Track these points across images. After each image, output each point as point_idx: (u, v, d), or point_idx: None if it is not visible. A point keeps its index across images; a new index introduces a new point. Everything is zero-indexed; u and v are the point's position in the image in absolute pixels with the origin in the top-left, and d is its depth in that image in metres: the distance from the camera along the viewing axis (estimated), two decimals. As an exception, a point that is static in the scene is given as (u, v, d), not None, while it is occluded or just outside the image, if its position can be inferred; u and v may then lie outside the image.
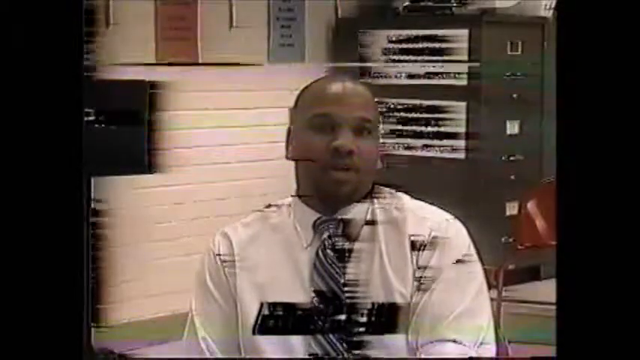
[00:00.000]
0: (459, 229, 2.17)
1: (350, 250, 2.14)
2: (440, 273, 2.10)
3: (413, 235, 2.13)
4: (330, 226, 2.15)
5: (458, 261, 2.12)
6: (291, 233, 2.18)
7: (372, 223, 2.16)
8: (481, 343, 2.09)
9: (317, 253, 2.14)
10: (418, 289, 2.10)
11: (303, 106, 2.19)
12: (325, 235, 2.15)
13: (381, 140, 2.21)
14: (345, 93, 2.17)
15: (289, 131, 2.21)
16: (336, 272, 2.13)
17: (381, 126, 2.21)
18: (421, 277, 2.11)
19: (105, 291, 5.32)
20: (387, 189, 2.22)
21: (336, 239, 2.15)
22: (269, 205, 2.25)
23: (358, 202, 2.17)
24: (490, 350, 2.12)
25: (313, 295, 2.12)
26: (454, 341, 2.07)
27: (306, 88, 2.22)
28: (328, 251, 2.14)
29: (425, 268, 2.11)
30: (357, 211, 2.16)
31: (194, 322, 2.21)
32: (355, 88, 2.20)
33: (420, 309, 2.09)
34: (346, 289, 2.12)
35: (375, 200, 2.19)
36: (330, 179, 2.12)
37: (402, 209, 2.18)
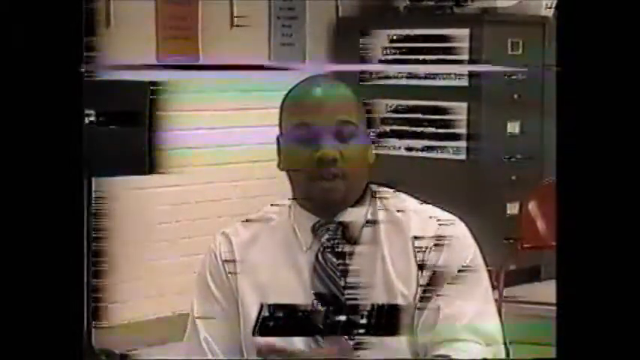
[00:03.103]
0: (464, 231, 2.16)
1: (350, 253, 2.13)
2: (448, 275, 2.09)
3: (416, 237, 2.12)
4: (329, 229, 2.14)
5: (466, 263, 2.11)
6: (290, 235, 2.18)
7: (372, 224, 2.15)
8: (496, 343, 2.09)
9: (316, 257, 2.14)
10: (425, 291, 2.09)
11: (285, 116, 2.17)
12: (324, 239, 2.14)
13: (374, 135, 2.20)
14: (324, 98, 2.14)
15: (278, 140, 2.21)
16: (337, 275, 2.12)
17: (369, 122, 2.19)
18: (428, 279, 2.10)
19: (106, 291, 5.32)
20: (388, 190, 2.21)
21: (336, 242, 2.14)
22: (270, 206, 2.25)
23: (357, 204, 2.16)
24: (502, 350, 2.12)
25: (314, 297, 2.12)
26: (467, 341, 2.06)
27: (287, 95, 2.19)
28: (328, 254, 2.14)
29: (432, 270, 2.10)
30: (356, 214, 2.15)
31: (195, 322, 2.20)
32: (334, 90, 2.17)
33: (430, 311, 2.08)
34: (347, 291, 2.11)
35: (376, 201, 2.18)
36: (318, 189, 2.10)
37: (404, 210, 2.17)
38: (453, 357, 2.04)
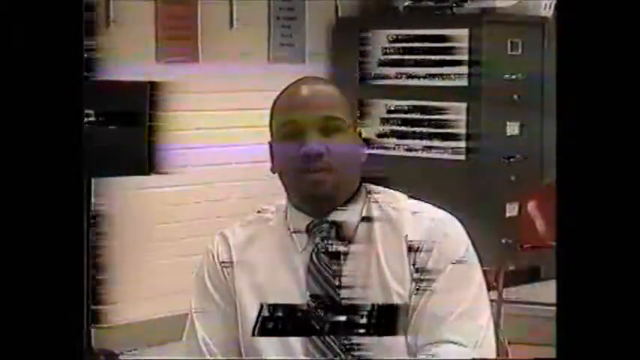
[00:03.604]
0: (458, 229, 2.16)
1: (345, 252, 2.14)
2: (438, 273, 2.10)
3: (410, 236, 2.13)
4: (323, 229, 2.15)
5: (456, 261, 2.11)
6: (286, 236, 2.18)
7: (367, 223, 2.15)
8: (481, 344, 2.09)
9: (311, 257, 2.14)
10: (417, 289, 2.10)
11: (273, 118, 2.20)
12: (318, 239, 2.15)
13: (366, 134, 2.21)
14: (307, 96, 2.16)
15: (270, 145, 2.22)
16: (331, 275, 2.12)
17: (361, 121, 2.21)
18: (419, 277, 2.10)
19: (105, 292, 5.32)
20: (384, 189, 2.21)
21: (330, 242, 2.14)
22: (267, 206, 2.25)
23: (350, 202, 2.16)
24: (490, 351, 2.12)
25: (309, 298, 2.12)
26: (454, 342, 2.06)
27: (275, 99, 2.22)
28: (322, 255, 2.14)
29: (423, 268, 2.10)
30: (350, 213, 2.16)
31: (194, 323, 2.20)
32: (318, 88, 2.19)
33: (419, 310, 2.09)
34: (342, 291, 2.11)
35: (371, 200, 2.18)
36: (306, 182, 2.11)
37: (399, 209, 2.17)
38: None
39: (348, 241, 2.14)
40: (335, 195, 2.14)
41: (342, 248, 2.14)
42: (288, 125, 2.14)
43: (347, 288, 2.11)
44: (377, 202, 2.18)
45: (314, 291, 2.12)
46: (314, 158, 2.10)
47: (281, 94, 2.21)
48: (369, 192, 2.20)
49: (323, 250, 2.14)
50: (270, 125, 2.21)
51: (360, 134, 2.20)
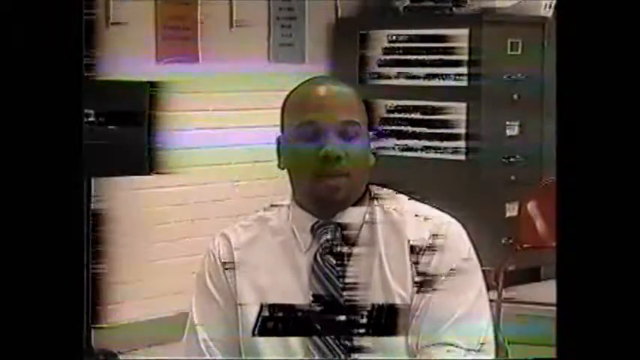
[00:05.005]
0: (459, 232, 2.16)
1: (349, 254, 2.13)
2: (440, 276, 2.10)
3: (412, 238, 2.13)
4: (328, 230, 2.14)
5: (458, 264, 2.11)
6: (289, 236, 2.18)
7: (370, 225, 2.15)
8: (481, 347, 2.09)
9: (315, 258, 2.14)
10: (418, 292, 2.10)
11: (289, 115, 2.18)
12: (323, 239, 2.14)
13: (374, 135, 2.21)
14: (329, 97, 2.15)
15: (279, 140, 2.21)
16: (335, 276, 2.12)
17: (371, 123, 2.20)
18: (421, 280, 2.10)
19: (105, 292, 5.32)
20: (387, 190, 2.21)
21: (334, 243, 2.14)
22: (269, 206, 2.25)
23: (356, 205, 2.16)
24: (490, 354, 2.12)
25: (312, 298, 2.12)
26: (453, 345, 2.06)
27: (290, 95, 2.20)
28: (326, 255, 2.14)
29: (425, 271, 2.10)
30: (354, 215, 2.15)
31: (194, 323, 2.20)
32: (338, 90, 2.18)
33: (420, 312, 2.09)
34: (345, 292, 2.11)
35: (375, 202, 2.18)
36: (322, 187, 2.11)
37: (401, 211, 2.17)
38: None
39: (352, 242, 2.14)
40: (347, 200, 2.14)
41: (346, 249, 2.13)
42: (307, 125, 2.12)
43: (350, 289, 2.11)
44: (380, 204, 2.18)
45: (317, 291, 2.12)
46: (333, 161, 2.09)
47: (295, 91, 2.19)
48: (372, 194, 2.19)
49: (328, 250, 2.14)
50: (282, 123, 2.20)
51: (369, 137, 2.19)
